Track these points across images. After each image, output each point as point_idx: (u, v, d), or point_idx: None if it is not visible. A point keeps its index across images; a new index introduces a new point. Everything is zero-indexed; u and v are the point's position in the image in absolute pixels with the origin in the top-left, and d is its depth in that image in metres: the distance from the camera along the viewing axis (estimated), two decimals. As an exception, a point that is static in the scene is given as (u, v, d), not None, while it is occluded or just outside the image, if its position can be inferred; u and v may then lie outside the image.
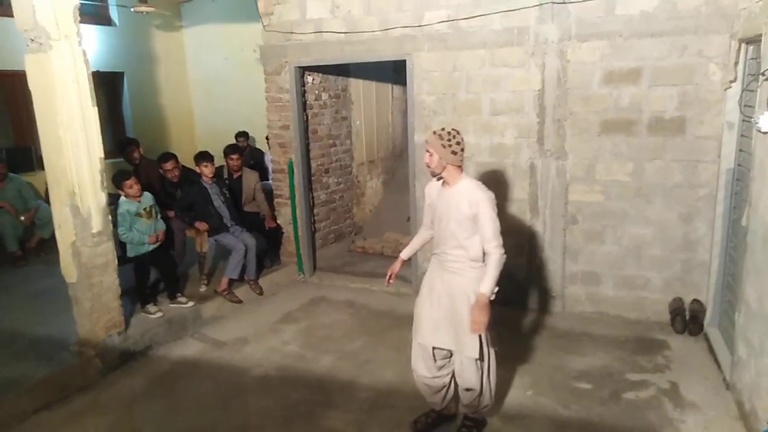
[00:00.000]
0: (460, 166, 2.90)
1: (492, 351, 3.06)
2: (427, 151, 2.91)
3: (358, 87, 6.74)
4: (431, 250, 3.12)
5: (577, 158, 4.58)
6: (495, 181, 4.88)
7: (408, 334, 4.47)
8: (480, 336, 2.89)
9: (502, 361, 3.96)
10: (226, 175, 5.80)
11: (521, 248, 4.89)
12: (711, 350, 4.02)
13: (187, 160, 6.02)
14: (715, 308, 4.25)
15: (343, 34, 5.17)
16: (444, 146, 2.83)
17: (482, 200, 2.82)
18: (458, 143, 2.85)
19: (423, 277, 3.17)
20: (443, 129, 2.90)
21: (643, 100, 4.31)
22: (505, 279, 4.84)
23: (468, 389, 3.05)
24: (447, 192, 2.95)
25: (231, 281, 5.14)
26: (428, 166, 2.92)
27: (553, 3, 4.36)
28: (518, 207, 4.85)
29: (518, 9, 4.48)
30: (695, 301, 4.38)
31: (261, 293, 5.38)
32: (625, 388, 3.61)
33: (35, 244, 6.47)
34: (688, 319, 4.29)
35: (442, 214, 2.96)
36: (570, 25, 4.38)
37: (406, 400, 3.57)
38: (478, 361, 2.96)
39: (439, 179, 3.00)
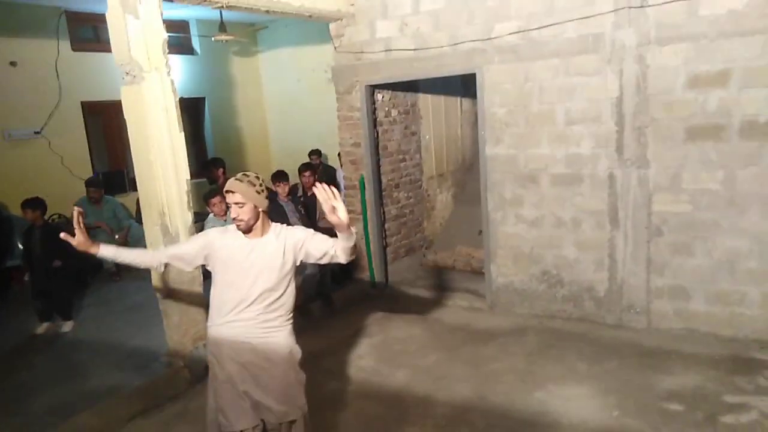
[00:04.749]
0: (266, 211, 2.61)
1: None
2: (236, 203, 2.49)
3: (427, 101, 6.77)
4: (221, 317, 2.60)
5: (660, 167, 4.36)
6: (571, 193, 4.74)
7: (483, 350, 4.46)
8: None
9: (581, 380, 3.86)
10: (300, 193, 5.98)
11: (601, 262, 4.70)
12: (821, 373, 3.67)
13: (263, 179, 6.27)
14: (824, 326, 3.88)
15: (412, 51, 5.24)
16: (258, 192, 2.53)
17: (297, 229, 2.68)
18: (262, 183, 2.60)
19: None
20: (246, 174, 2.58)
21: (732, 104, 4.05)
22: (585, 293, 4.80)
23: None
24: (255, 243, 2.58)
25: (306, 296, 5.28)
26: (241, 221, 2.51)
27: (630, 8, 4.21)
28: (597, 219, 4.67)
29: (593, 16, 4.36)
30: (800, 318, 4.03)
31: (334, 308, 5.48)
32: (723, 411, 3.36)
33: (129, 260, 6.93)
34: (792, 338, 3.94)
35: (249, 271, 2.55)
36: (649, 30, 4.20)
37: (483, 417, 3.50)
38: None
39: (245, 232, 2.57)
